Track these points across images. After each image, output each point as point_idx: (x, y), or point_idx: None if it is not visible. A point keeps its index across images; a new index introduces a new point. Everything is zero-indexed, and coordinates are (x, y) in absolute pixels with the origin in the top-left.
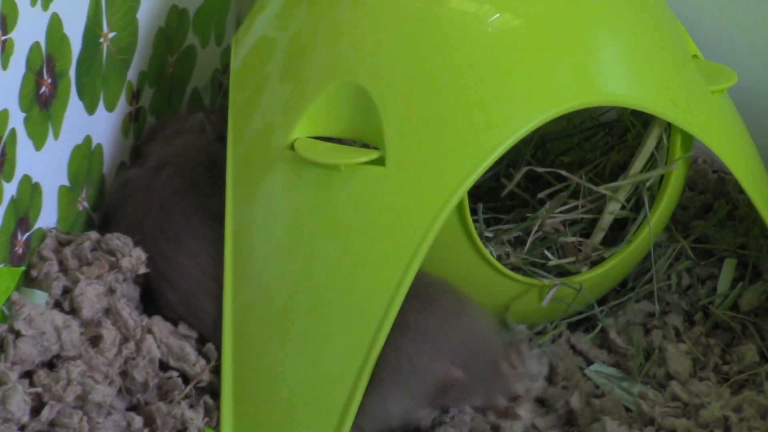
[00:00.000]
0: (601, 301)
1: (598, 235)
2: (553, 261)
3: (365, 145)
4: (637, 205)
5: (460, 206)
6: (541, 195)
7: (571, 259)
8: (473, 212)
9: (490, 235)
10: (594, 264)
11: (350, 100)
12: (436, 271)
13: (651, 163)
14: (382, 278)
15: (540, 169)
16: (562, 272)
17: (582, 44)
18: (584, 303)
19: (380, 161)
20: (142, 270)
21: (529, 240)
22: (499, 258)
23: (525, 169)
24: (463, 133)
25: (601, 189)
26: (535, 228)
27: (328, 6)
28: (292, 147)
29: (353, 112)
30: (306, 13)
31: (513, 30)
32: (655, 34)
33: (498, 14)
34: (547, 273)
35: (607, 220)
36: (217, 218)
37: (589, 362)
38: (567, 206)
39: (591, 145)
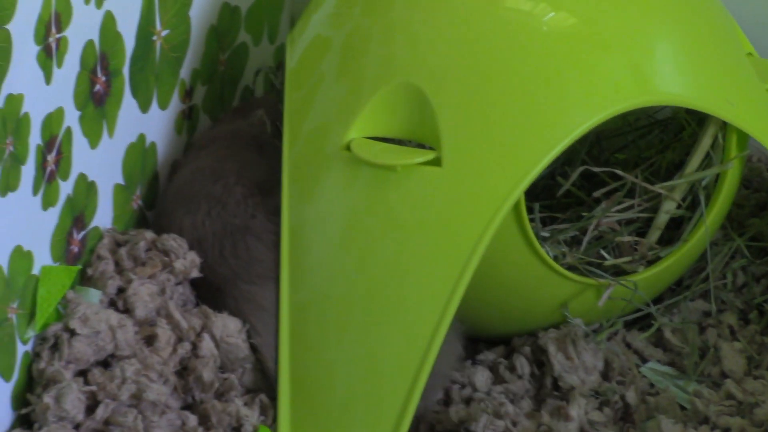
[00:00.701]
0: (657, 300)
1: (654, 234)
2: (610, 261)
3: (420, 146)
4: (692, 203)
5: (516, 206)
6: (596, 194)
7: (628, 258)
8: (529, 211)
9: (547, 234)
10: (650, 263)
11: (406, 101)
12: (491, 270)
13: (707, 162)
14: (439, 278)
15: (596, 169)
16: (618, 271)
17: (637, 43)
18: (640, 301)
19: (436, 162)
20: (195, 274)
21: (585, 240)
22: (555, 258)
23: (581, 168)
24: (519, 133)
25: (657, 188)
26: (592, 227)
27: (382, 5)
28: (347, 147)
29: (409, 113)
30: (361, 12)
31: (568, 29)
32: (710, 32)
33: (553, 13)
34: (603, 272)
35: (662, 219)
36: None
37: (645, 360)
38: (623, 205)
39: (646, 143)
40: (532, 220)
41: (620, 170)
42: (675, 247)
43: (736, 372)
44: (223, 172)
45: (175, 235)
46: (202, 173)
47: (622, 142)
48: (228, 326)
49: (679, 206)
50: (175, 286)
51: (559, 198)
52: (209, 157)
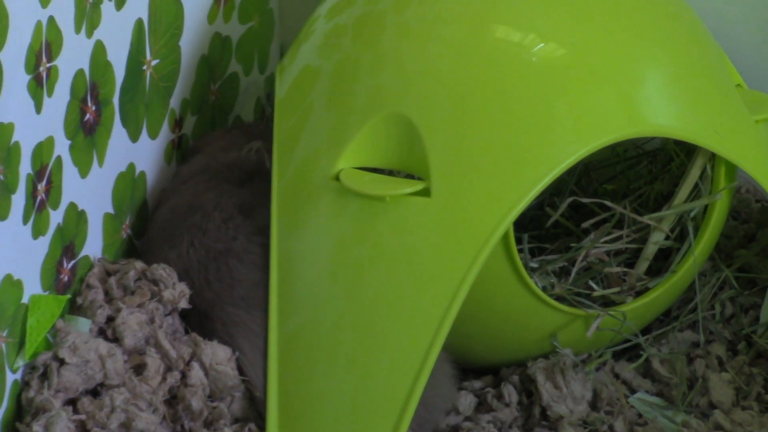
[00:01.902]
0: (645, 330)
1: (643, 265)
2: (598, 291)
3: (409, 176)
4: (681, 234)
5: (505, 237)
6: (585, 224)
7: (616, 289)
8: (518, 242)
9: (535, 265)
10: (638, 294)
11: (395, 132)
12: (479, 301)
13: (695, 193)
14: (428, 308)
15: (585, 200)
16: (606, 302)
17: (627, 74)
18: (629, 332)
19: (425, 192)
20: (183, 304)
21: (574, 270)
22: (544, 289)
23: (570, 199)
24: (508, 164)
25: (646, 219)
26: (581, 258)
27: (372, 36)
28: (336, 178)
29: (398, 143)
30: (350, 42)
31: (557, 60)
32: (699, 63)
33: (543, 44)
34: (591, 303)
35: (651, 250)
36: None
37: (633, 391)
38: (611, 236)
39: (635, 174)
40: (520, 251)
41: (609, 201)
42: (663, 278)
43: (724, 402)
44: (200, 204)
45: (164, 264)
46: (180, 209)
47: (610, 173)
48: (217, 354)
49: (667, 237)
50: (164, 315)
51: (548, 228)
52: (186, 193)
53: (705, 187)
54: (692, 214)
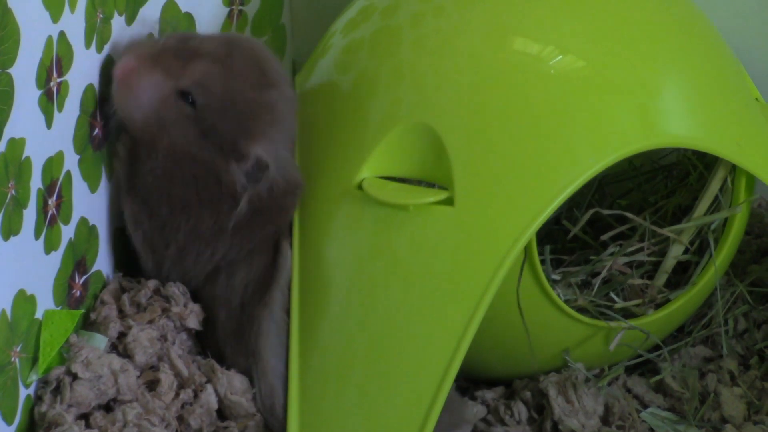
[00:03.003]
0: (658, 346)
1: (662, 278)
2: (620, 304)
3: (431, 185)
4: (699, 247)
5: (527, 248)
6: (604, 237)
7: (638, 301)
8: (539, 254)
9: (558, 277)
10: (657, 306)
11: (419, 140)
12: (498, 313)
13: (715, 206)
14: (447, 323)
15: (606, 212)
16: (626, 315)
17: (646, 86)
18: (650, 346)
19: (449, 201)
20: (192, 324)
21: (597, 283)
22: (566, 301)
23: (591, 211)
24: (530, 174)
25: (666, 231)
26: (604, 270)
27: (389, 49)
28: (359, 187)
29: (422, 152)
30: (368, 56)
31: (575, 72)
32: (718, 75)
33: (561, 56)
34: (615, 314)
35: (670, 263)
36: None
37: (645, 405)
38: (631, 248)
39: (651, 188)
40: (542, 262)
41: (630, 214)
42: (684, 290)
43: (735, 417)
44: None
45: (179, 283)
46: None
47: (625, 187)
48: (233, 384)
49: (686, 250)
50: (176, 333)
51: (564, 242)
52: None
53: (725, 199)
54: (713, 227)
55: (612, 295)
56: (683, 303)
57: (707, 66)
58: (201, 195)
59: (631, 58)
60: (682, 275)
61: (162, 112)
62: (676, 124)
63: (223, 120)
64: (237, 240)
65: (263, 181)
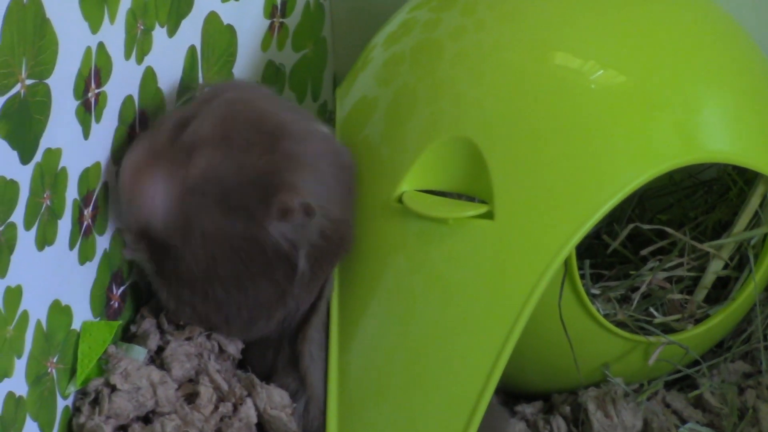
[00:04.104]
0: (697, 361)
1: (701, 293)
2: (659, 318)
3: (470, 199)
4: (739, 263)
5: (567, 262)
6: (644, 252)
7: (677, 316)
8: (579, 268)
9: (597, 292)
10: (697, 322)
11: (459, 154)
12: (537, 327)
13: (755, 221)
14: (485, 337)
15: (646, 227)
16: (666, 330)
17: (685, 101)
18: (689, 361)
19: (488, 215)
20: (233, 350)
21: (637, 297)
22: (606, 315)
23: (630, 226)
24: (569, 189)
25: (705, 247)
26: (644, 285)
27: (429, 63)
28: (398, 200)
29: (462, 166)
30: (408, 69)
31: (616, 87)
32: (759, 90)
33: (601, 71)
34: (655, 329)
35: (710, 278)
36: None
37: (684, 421)
38: (671, 263)
39: (691, 203)
40: (582, 277)
41: (670, 229)
42: (724, 305)
43: None
44: None
45: None
46: None
47: (665, 202)
48: (273, 398)
49: (726, 266)
50: (212, 351)
51: (604, 256)
52: None
53: (765, 215)
54: (752, 242)
55: (651, 310)
56: (722, 319)
57: (747, 81)
58: (251, 268)
59: (672, 72)
60: (721, 291)
61: (183, 209)
62: (715, 139)
63: (245, 194)
64: (305, 294)
65: (312, 229)
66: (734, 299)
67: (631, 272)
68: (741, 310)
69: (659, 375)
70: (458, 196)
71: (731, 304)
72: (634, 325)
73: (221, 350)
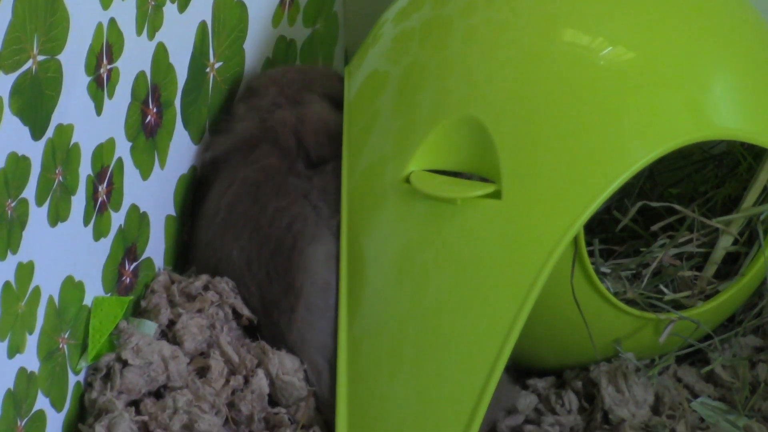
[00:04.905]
0: (708, 336)
1: (711, 269)
2: (670, 296)
3: (480, 178)
4: (749, 238)
5: (576, 241)
6: (654, 228)
7: (688, 293)
8: (589, 245)
9: (608, 270)
10: (707, 298)
11: (466, 134)
12: (547, 305)
13: (764, 196)
14: (497, 311)
15: (655, 204)
16: (676, 306)
17: (695, 77)
18: (699, 336)
19: (496, 194)
20: (246, 312)
21: (647, 275)
22: (615, 294)
23: (639, 203)
24: (578, 167)
25: (715, 222)
26: (655, 263)
27: (439, 40)
28: (406, 180)
29: (469, 146)
30: (418, 46)
31: (625, 63)
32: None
33: (611, 47)
34: (665, 306)
35: (719, 254)
36: None
37: (695, 395)
38: (681, 240)
39: (701, 178)
40: (591, 254)
41: (679, 206)
42: (733, 281)
43: None
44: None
45: (227, 279)
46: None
47: (676, 176)
48: (285, 364)
49: (736, 241)
50: (225, 321)
51: (615, 232)
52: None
53: None
54: (762, 218)
55: (662, 287)
56: (732, 294)
57: (758, 58)
58: None
59: (682, 49)
60: (731, 266)
61: None
62: (725, 116)
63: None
64: None
65: None
66: (744, 275)
67: (642, 249)
68: (751, 285)
69: (671, 350)
70: (469, 176)
71: (741, 280)
72: (644, 303)
73: (236, 314)
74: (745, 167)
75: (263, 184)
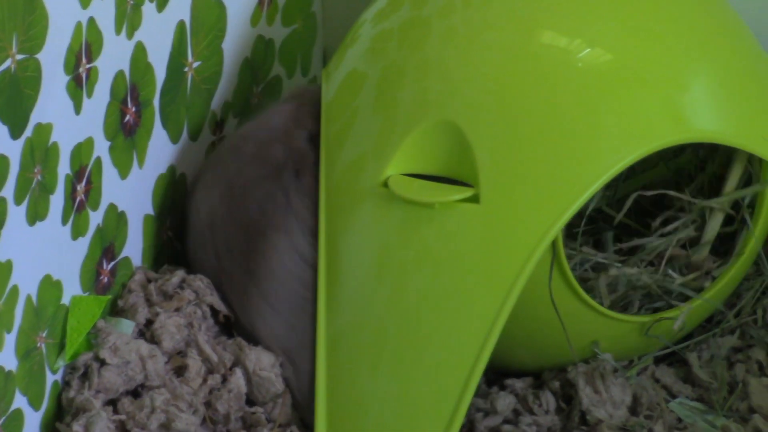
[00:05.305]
0: (687, 336)
1: (706, 248)
2: (680, 279)
3: (457, 182)
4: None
5: (554, 244)
6: (655, 223)
7: (696, 274)
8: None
9: (591, 276)
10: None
11: (444, 138)
12: (526, 308)
13: (746, 178)
14: (476, 314)
15: (649, 192)
16: (681, 295)
17: (673, 80)
18: (672, 338)
19: (474, 199)
20: (224, 309)
21: (664, 263)
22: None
23: (635, 194)
24: (557, 171)
25: (712, 203)
26: (667, 255)
27: (418, 41)
28: (384, 184)
29: (447, 150)
30: (396, 47)
31: (603, 65)
32: (745, 67)
33: (588, 49)
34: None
35: (711, 233)
36: None
37: (673, 395)
38: (673, 225)
39: (684, 160)
40: (569, 257)
41: (675, 192)
42: (732, 259)
43: (764, 407)
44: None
45: (202, 276)
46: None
47: (652, 161)
48: (261, 360)
49: (729, 223)
50: (202, 319)
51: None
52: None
53: (755, 168)
54: (746, 201)
55: (671, 272)
56: (734, 273)
57: (734, 59)
58: None
59: (660, 52)
60: (727, 245)
61: None
62: (704, 118)
63: None
64: None
65: None
66: (742, 253)
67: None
68: (748, 263)
69: (649, 351)
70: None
71: (740, 258)
72: (657, 291)
73: (214, 311)
74: (724, 147)
75: (245, 146)
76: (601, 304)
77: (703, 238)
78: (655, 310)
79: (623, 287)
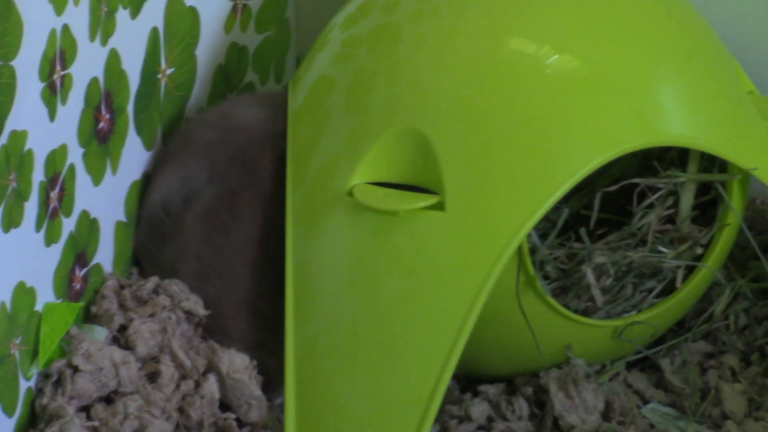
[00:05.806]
0: (659, 341)
1: (685, 219)
2: (672, 252)
3: (423, 190)
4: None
5: (519, 250)
6: (642, 205)
7: (689, 244)
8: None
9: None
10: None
11: (408, 146)
12: (495, 313)
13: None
14: (445, 318)
15: (639, 180)
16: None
17: (640, 84)
18: (644, 343)
19: (440, 206)
20: (202, 312)
21: (650, 239)
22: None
23: (624, 182)
24: (522, 177)
25: (696, 176)
26: (650, 228)
27: (387, 47)
28: (350, 193)
29: (412, 158)
30: (366, 53)
31: (571, 71)
32: (711, 72)
33: (557, 55)
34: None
35: (686, 204)
36: None
37: (646, 401)
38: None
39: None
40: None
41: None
42: (715, 227)
43: (736, 413)
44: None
45: (177, 280)
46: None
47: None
48: (235, 362)
49: (703, 193)
50: (177, 324)
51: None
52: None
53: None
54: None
55: (662, 248)
56: (723, 242)
57: (700, 64)
58: None
59: (628, 57)
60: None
61: None
62: (671, 122)
63: None
64: None
65: None
66: (721, 228)
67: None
68: (704, 283)
69: (622, 355)
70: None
71: (724, 230)
72: (650, 269)
73: (188, 314)
74: None
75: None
76: (592, 296)
77: (681, 209)
78: (649, 292)
79: (613, 271)
